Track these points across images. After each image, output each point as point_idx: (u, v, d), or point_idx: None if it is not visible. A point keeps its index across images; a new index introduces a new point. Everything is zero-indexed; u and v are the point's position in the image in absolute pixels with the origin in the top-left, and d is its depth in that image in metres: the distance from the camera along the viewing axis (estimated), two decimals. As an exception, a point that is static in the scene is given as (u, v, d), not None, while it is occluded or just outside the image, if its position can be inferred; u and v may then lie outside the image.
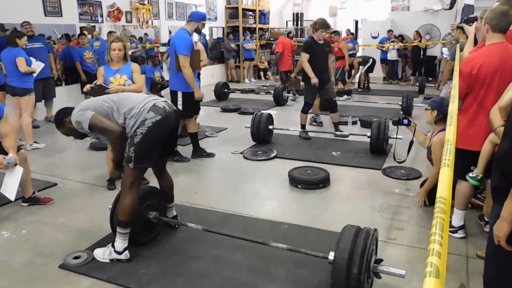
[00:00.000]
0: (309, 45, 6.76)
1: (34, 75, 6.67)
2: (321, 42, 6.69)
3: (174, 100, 5.60)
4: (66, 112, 3.38)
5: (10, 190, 3.87)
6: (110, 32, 9.72)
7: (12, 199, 3.89)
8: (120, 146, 3.19)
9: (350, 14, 16.68)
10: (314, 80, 6.65)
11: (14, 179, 3.89)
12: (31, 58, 6.59)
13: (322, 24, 6.53)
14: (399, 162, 5.09)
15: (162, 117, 3.13)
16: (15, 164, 3.90)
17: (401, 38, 13.88)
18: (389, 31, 13.86)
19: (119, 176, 3.50)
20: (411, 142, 4.73)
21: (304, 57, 6.69)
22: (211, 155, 6.11)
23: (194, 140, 6.09)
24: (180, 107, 5.52)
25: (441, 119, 4.16)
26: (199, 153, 6.07)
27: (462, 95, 3.41)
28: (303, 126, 7.13)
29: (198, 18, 5.58)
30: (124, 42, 4.61)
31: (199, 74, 6.64)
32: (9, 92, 6.80)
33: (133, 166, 3.12)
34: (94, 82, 4.59)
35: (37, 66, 6.73)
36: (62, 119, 3.39)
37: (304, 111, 7.03)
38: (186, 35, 5.44)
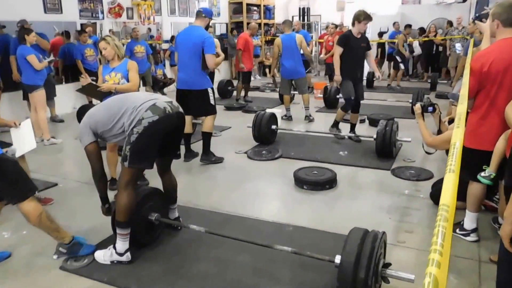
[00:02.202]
0: (344, 38, 6.42)
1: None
2: (359, 36, 6.32)
3: (203, 99, 5.47)
4: (84, 111, 3.55)
5: (29, 141, 4.03)
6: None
7: (35, 146, 4.05)
8: (97, 183, 3.35)
9: (359, 8, 16.44)
10: (337, 78, 6.41)
11: (27, 132, 4.08)
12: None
13: (365, 15, 6.23)
14: (428, 153, 4.80)
15: (160, 118, 3.06)
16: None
17: (422, 31, 13.54)
18: (395, 23, 13.57)
19: (108, 213, 3.50)
20: (439, 132, 4.46)
21: (338, 51, 6.33)
22: (220, 160, 5.81)
23: (207, 140, 5.77)
24: (212, 102, 5.55)
25: None
26: (208, 158, 5.75)
27: (473, 93, 3.31)
28: (336, 123, 6.81)
29: (211, 14, 5.58)
30: (108, 40, 4.56)
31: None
32: (22, 89, 7.19)
33: (128, 165, 3.08)
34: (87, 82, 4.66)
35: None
36: (81, 117, 3.51)
37: (345, 108, 6.58)
38: (207, 33, 5.41)
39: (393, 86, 11.89)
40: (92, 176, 3.33)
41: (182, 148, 5.78)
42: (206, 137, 5.72)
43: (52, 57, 7.05)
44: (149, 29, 11.82)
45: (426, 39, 13.22)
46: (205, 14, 5.49)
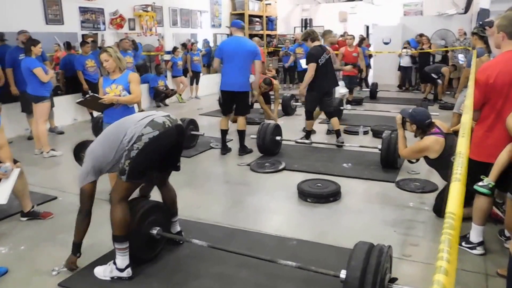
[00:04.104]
0: None
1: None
2: None
3: (245, 99, 6.43)
4: (83, 146, 3.41)
5: (2, 193, 3.76)
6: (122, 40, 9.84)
7: (5, 202, 3.75)
8: (79, 223, 3.26)
9: (361, 19, 16.57)
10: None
11: (8, 182, 3.81)
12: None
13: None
14: (410, 162, 4.90)
15: (160, 133, 3.03)
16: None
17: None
18: (421, 35, 13.28)
19: (71, 265, 3.35)
20: None
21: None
22: (250, 150, 6.63)
23: (242, 137, 6.61)
24: (249, 103, 6.61)
25: (422, 132, 4.18)
26: (245, 150, 6.60)
27: (479, 105, 3.29)
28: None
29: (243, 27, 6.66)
30: (110, 52, 4.50)
31: None
32: (22, 101, 7.17)
33: (125, 179, 3.04)
34: (89, 94, 4.62)
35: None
36: (79, 153, 3.44)
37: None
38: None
39: (430, 99, 11.50)
40: (77, 214, 3.26)
41: (183, 160, 5.73)
42: (242, 134, 6.60)
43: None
44: (133, 41, 10.90)
45: (416, 52, 13.05)
46: (241, 26, 6.47)
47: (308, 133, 7.20)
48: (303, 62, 9.35)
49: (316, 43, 6.77)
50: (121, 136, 3.07)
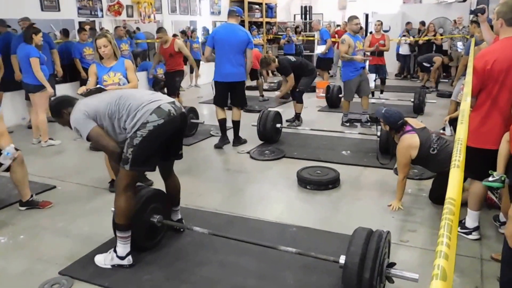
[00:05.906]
0: None
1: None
2: None
3: (242, 89, 6.40)
4: (66, 102, 3.29)
5: None
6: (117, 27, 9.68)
7: None
8: (119, 162, 3.14)
9: (360, 7, 16.49)
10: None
11: None
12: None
13: None
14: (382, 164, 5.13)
15: (165, 121, 3.00)
16: (14, 159, 3.91)
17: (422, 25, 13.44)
18: (408, 23, 13.36)
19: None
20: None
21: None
22: (245, 140, 6.56)
23: (237, 127, 6.50)
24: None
25: (395, 132, 4.25)
26: (239, 141, 6.50)
27: (476, 92, 3.30)
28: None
29: (242, 13, 6.42)
30: (109, 37, 4.43)
31: None
32: (24, 89, 6.94)
33: (129, 168, 3.01)
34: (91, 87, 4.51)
35: None
36: (60, 109, 3.28)
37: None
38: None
39: (428, 86, 11.43)
40: (111, 158, 3.21)
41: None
42: (237, 125, 6.48)
43: None
44: (128, 30, 10.95)
45: (425, 38, 12.97)
46: (238, 13, 6.25)
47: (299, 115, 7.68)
48: (320, 48, 9.67)
49: (277, 63, 7.27)
50: (124, 108, 3.03)
